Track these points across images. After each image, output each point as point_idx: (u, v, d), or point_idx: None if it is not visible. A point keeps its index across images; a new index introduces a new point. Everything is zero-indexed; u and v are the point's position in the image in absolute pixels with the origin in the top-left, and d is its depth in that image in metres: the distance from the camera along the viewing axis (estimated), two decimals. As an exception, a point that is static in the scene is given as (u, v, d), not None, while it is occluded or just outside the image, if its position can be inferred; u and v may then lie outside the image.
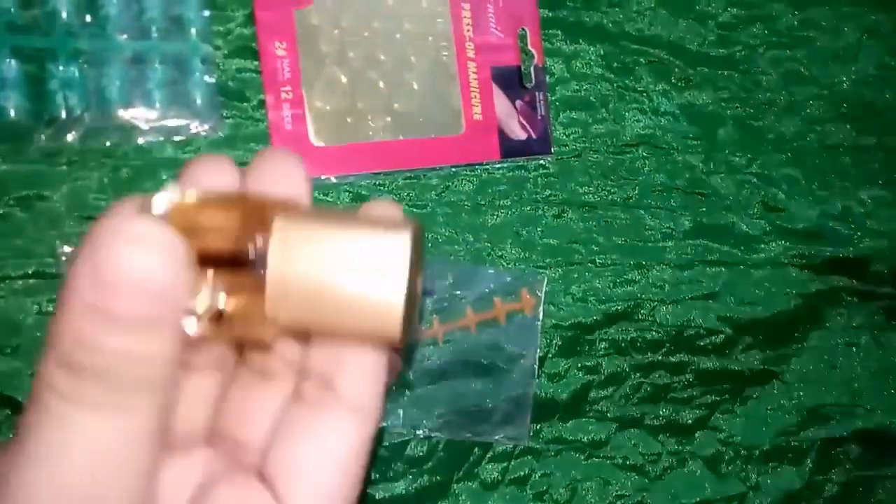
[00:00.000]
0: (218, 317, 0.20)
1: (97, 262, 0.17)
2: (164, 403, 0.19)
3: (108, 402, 0.18)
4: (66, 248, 0.39)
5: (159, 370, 0.18)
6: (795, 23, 0.47)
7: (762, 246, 0.46)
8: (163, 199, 0.19)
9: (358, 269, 0.20)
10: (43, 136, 0.39)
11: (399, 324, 0.20)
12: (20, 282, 0.39)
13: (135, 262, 0.17)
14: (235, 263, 0.20)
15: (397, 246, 0.20)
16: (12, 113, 0.38)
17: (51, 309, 0.39)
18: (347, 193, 0.42)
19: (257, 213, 0.20)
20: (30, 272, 0.39)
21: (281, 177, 0.22)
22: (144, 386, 0.18)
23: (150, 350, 0.18)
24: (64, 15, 0.39)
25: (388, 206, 0.22)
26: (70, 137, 0.39)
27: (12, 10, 0.38)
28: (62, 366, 0.17)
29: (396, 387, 0.42)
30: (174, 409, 0.20)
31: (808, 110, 0.47)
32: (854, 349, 0.47)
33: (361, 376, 0.21)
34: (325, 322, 0.20)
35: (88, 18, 0.39)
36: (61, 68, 0.38)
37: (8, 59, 0.38)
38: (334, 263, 0.20)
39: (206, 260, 0.20)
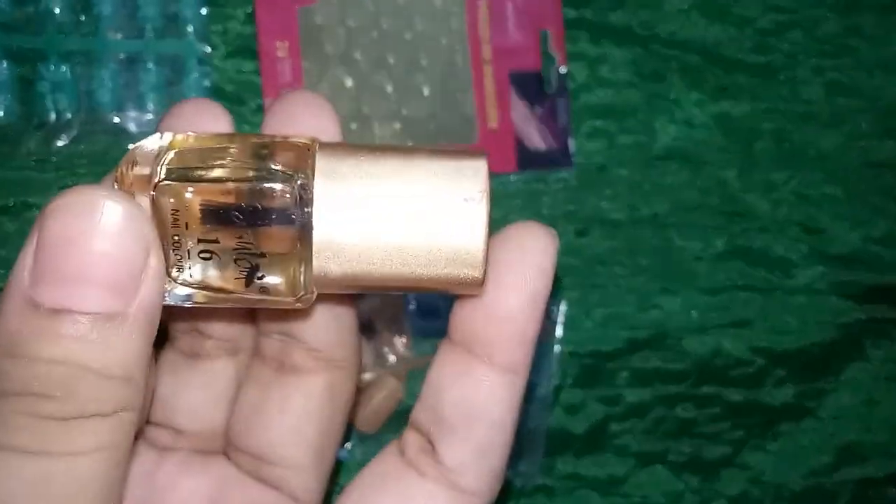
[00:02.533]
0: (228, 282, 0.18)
1: (35, 244, 0.15)
2: (128, 441, 0.16)
3: (47, 441, 0.15)
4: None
5: (111, 391, 0.15)
6: (839, 30, 0.46)
7: (799, 271, 0.45)
8: (152, 142, 0.17)
9: (425, 202, 0.18)
10: (32, 141, 0.38)
11: (481, 263, 0.18)
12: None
13: (77, 241, 0.15)
14: (254, 216, 0.17)
15: (473, 170, 0.18)
16: (1, 116, 0.38)
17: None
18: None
19: (279, 153, 0.18)
20: (12, 285, 0.38)
21: (307, 121, 0.20)
22: (103, 415, 0.15)
23: (99, 361, 0.15)
24: (57, 13, 0.38)
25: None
26: (60, 142, 0.38)
27: (4, 8, 0.37)
28: None
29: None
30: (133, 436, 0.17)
31: (851, 124, 0.46)
32: (895, 384, 0.46)
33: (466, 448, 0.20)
34: (388, 272, 0.18)
35: (82, 17, 0.38)
36: (52, 69, 0.38)
37: (-5, 59, 0.38)
38: (395, 197, 0.18)
39: (217, 216, 0.17)
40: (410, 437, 0.20)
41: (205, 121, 0.20)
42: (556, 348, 0.43)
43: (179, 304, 0.18)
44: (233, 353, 0.23)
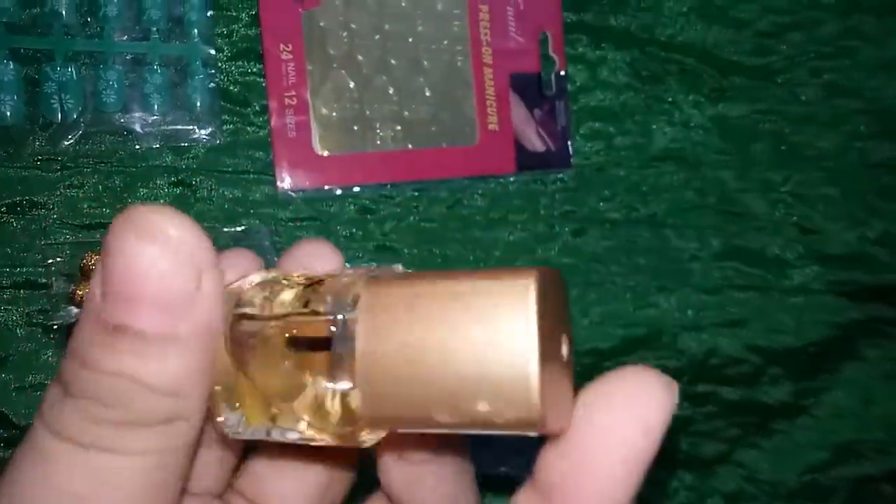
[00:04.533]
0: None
1: (105, 265, 0.16)
2: (179, 446, 0.18)
3: (101, 440, 0.17)
4: (57, 259, 0.40)
5: (162, 403, 0.17)
6: (838, 32, 0.47)
7: (796, 271, 0.47)
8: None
9: (472, 335, 0.16)
10: (38, 141, 0.40)
11: (536, 398, 0.16)
12: (9, 291, 0.40)
13: (132, 261, 0.16)
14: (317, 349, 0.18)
15: (518, 293, 0.16)
16: (8, 116, 0.39)
17: (40, 320, 0.40)
18: (352, 206, 0.43)
19: (334, 292, 0.18)
20: (19, 281, 0.40)
21: (316, 264, 0.22)
22: (151, 424, 0.17)
23: (152, 376, 0.17)
24: (63, 15, 0.40)
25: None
26: (66, 142, 0.40)
27: (11, 9, 0.39)
28: (58, 390, 0.17)
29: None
30: (194, 457, 0.19)
31: (849, 125, 0.48)
32: (891, 382, 0.48)
33: None
34: (437, 414, 0.17)
35: (88, 19, 0.40)
36: (58, 70, 0.40)
37: (5, 61, 0.39)
38: (441, 331, 0.16)
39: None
40: None
41: (319, 261, 0.22)
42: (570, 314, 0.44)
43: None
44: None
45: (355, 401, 0.17)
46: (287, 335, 0.18)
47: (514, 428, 0.16)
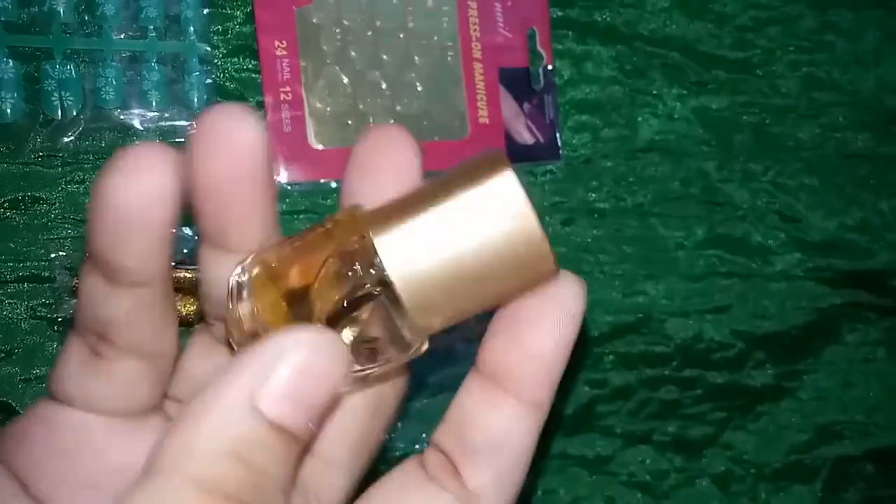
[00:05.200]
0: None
1: (268, 362, 0.18)
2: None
3: None
4: (60, 253, 0.41)
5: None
6: (815, 26, 0.49)
7: (777, 257, 0.49)
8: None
9: (480, 229, 0.20)
10: (39, 137, 0.41)
11: (549, 254, 0.20)
12: (13, 286, 0.41)
13: (305, 373, 0.18)
14: (351, 303, 0.21)
15: (504, 184, 0.20)
16: (9, 113, 0.41)
17: (44, 313, 0.41)
18: (348, 198, 0.45)
19: (338, 243, 0.21)
20: (23, 276, 0.41)
21: (393, 155, 0.23)
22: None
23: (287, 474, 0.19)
24: (62, 14, 0.41)
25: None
26: (66, 138, 0.41)
27: (10, 8, 0.40)
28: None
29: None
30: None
31: (827, 117, 0.50)
32: (870, 365, 0.50)
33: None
34: (475, 300, 0.20)
35: (86, 17, 0.42)
36: (57, 68, 0.41)
37: (4, 59, 0.41)
38: (454, 239, 0.20)
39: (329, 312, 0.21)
40: (432, 456, 0.23)
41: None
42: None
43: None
44: None
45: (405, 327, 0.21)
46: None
47: (541, 283, 0.21)
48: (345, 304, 0.21)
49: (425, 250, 0.20)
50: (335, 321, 0.21)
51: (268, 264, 0.21)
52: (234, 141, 0.21)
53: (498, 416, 0.21)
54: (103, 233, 0.20)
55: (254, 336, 0.21)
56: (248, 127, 0.21)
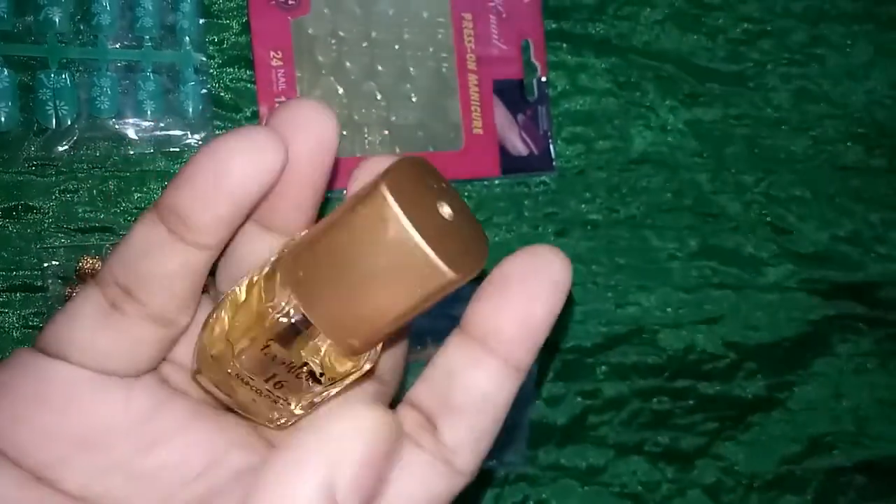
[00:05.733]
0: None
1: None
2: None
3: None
4: (53, 262, 0.41)
5: None
6: (807, 40, 0.50)
7: (769, 269, 0.49)
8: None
9: (365, 249, 0.20)
10: (33, 147, 0.42)
11: (434, 259, 0.20)
12: (5, 295, 0.41)
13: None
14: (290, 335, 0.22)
15: (377, 198, 0.20)
16: (3, 122, 0.41)
17: (36, 323, 0.42)
18: (342, 208, 0.45)
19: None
20: (16, 284, 0.42)
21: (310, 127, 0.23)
22: None
23: None
24: (57, 23, 0.41)
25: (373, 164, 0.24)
26: (60, 147, 0.42)
27: (5, 17, 0.41)
28: None
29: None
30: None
31: (819, 129, 0.50)
32: (862, 377, 0.51)
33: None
34: (389, 316, 0.21)
35: (81, 27, 0.42)
36: (52, 77, 0.41)
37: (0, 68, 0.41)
38: (346, 258, 0.21)
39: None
40: (408, 413, 0.23)
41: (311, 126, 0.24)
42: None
43: None
44: None
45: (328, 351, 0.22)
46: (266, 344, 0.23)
47: (443, 289, 0.21)
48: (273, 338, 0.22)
49: (325, 277, 0.21)
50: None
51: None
52: (313, 128, 0.22)
53: (482, 376, 0.22)
54: (196, 187, 0.22)
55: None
56: (327, 118, 0.23)
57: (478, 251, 0.22)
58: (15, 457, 0.23)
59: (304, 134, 0.22)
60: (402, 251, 0.20)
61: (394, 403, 0.27)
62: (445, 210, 0.22)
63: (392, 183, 0.20)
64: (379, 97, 0.45)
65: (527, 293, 0.22)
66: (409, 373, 0.45)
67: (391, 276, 0.20)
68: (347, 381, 0.24)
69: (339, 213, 0.21)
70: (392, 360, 0.26)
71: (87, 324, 0.23)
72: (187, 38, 0.43)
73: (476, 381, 0.22)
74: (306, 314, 0.21)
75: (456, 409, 0.23)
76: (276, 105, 0.44)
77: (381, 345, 0.23)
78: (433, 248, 0.20)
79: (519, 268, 0.22)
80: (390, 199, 0.20)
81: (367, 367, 0.23)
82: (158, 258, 0.22)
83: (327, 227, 0.21)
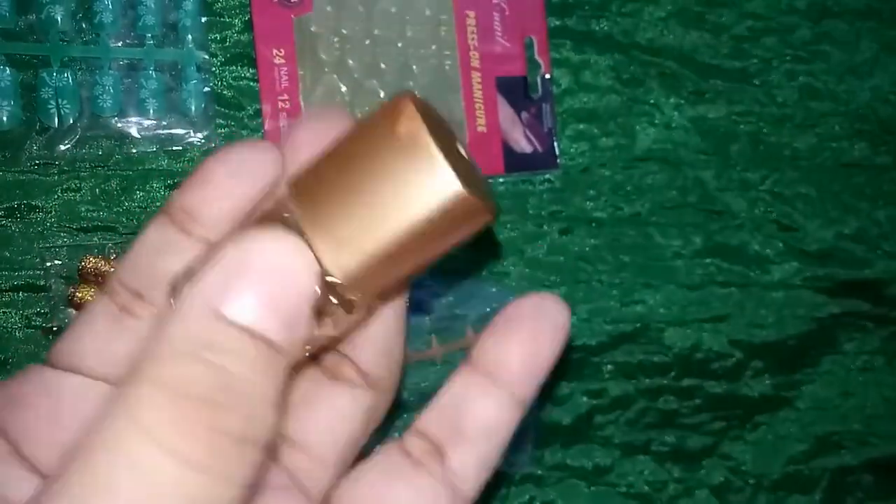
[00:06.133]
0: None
1: (230, 269, 0.18)
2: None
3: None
4: (56, 262, 0.41)
5: (270, 417, 0.18)
6: (811, 36, 0.50)
7: (775, 267, 0.49)
8: None
9: (383, 164, 0.19)
10: (35, 146, 0.41)
11: (458, 184, 0.19)
12: (8, 295, 0.41)
13: (267, 276, 0.18)
14: None
15: (399, 108, 0.19)
16: (5, 121, 0.41)
17: (39, 322, 0.41)
18: (346, 207, 0.45)
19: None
20: (18, 284, 0.41)
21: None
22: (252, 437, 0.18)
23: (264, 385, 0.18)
24: (59, 21, 0.41)
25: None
26: (62, 146, 0.42)
27: (7, 15, 0.41)
28: (150, 382, 0.17)
29: (394, 408, 0.44)
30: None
31: (823, 126, 0.50)
32: (869, 375, 0.50)
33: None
34: (398, 245, 0.20)
35: (83, 25, 0.42)
36: (55, 76, 0.41)
37: (1, 67, 0.41)
38: (364, 179, 0.20)
39: None
40: (415, 441, 0.24)
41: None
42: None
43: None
44: None
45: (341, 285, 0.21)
46: None
47: (466, 224, 0.20)
48: None
49: (338, 199, 0.20)
50: None
51: None
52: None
53: (492, 405, 0.24)
54: (206, 186, 0.23)
55: None
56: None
57: (490, 195, 0.22)
58: (30, 463, 0.23)
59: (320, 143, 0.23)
60: (425, 168, 0.19)
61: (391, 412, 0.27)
62: (461, 149, 0.21)
63: (416, 102, 0.20)
64: (382, 94, 0.45)
65: (532, 335, 0.24)
66: (413, 373, 0.45)
67: (406, 193, 0.19)
68: (343, 327, 0.23)
69: (352, 129, 0.21)
70: (387, 361, 0.26)
71: (98, 332, 0.23)
72: (189, 36, 0.43)
73: (485, 410, 0.24)
74: (301, 220, 0.20)
75: (465, 436, 0.24)
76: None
77: (368, 302, 0.22)
78: (456, 173, 0.19)
79: (526, 311, 0.24)
80: (417, 114, 0.19)
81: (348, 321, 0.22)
82: (168, 256, 0.23)
83: (340, 140, 0.21)
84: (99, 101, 0.42)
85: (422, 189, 0.19)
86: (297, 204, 0.20)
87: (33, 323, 0.42)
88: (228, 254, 0.18)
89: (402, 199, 0.20)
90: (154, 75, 0.43)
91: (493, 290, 0.46)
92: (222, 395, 0.17)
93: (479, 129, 0.46)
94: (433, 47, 0.46)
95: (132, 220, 0.43)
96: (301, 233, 0.20)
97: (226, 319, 0.17)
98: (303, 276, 0.18)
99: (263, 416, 0.18)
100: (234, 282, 0.17)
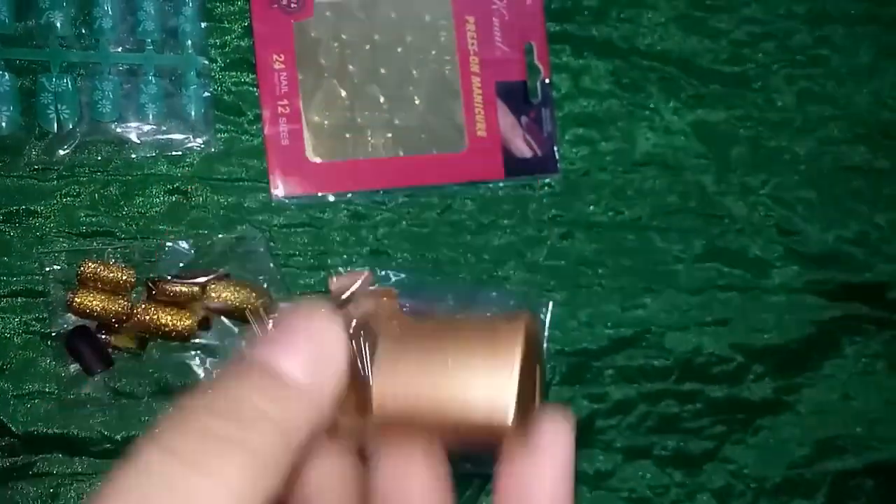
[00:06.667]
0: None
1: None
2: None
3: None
4: (55, 267, 0.41)
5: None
6: (810, 41, 0.50)
7: (776, 270, 0.49)
8: None
9: (467, 359, 0.22)
10: (34, 150, 0.42)
11: (510, 411, 0.21)
12: (6, 300, 0.41)
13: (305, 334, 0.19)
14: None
15: (510, 333, 0.22)
16: (4, 126, 0.41)
17: (38, 328, 0.41)
18: (345, 211, 0.45)
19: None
20: (17, 289, 0.41)
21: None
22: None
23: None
24: (58, 27, 0.41)
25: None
26: (62, 151, 0.42)
27: (6, 21, 0.41)
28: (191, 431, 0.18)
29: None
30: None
31: (823, 131, 0.51)
32: (870, 378, 0.50)
33: None
34: (434, 414, 0.22)
35: (83, 31, 0.42)
36: (54, 81, 0.41)
37: (1, 72, 0.41)
38: (443, 355, 0.22)
39: None
40: None
41: None
42: (544, 347, 0.46)
43: None
44: None
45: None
46: None
47: (489, 437, 0.22)
48: None
49: (414, 360, 0.22)
50: None
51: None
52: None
53: None
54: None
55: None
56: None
57: (531, 414, 0.23)
58: None
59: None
60: (496, 386, 0.21)
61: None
62: (539, 370, 0.23)
63: (529, 327, 0.22)
64: (382, 100, 0.46)
65: (552, 465, 0.24)
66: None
67: (466, 393, 0.22)
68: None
69: (462, 320, 0.23)
70: None
71: None
72: (189, 41, 0.43)
73: None
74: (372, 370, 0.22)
75: None
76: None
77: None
78: (516, 398, 0.21)
79: (544, 437, 0.24)
80: (521, 333, 0.22)
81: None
82: None
83: (447, 320, 0.23)
84: (98, 106, 0.42)
85: (478, 402, 0.22)
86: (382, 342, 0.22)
87: (31, 328, 0.42)
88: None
89: (460, 392, 0.22)
90: (154, 80, 0.43)
91: (493, 294, 0.46)
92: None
93: (479, 133, 0.46)
94: (433, 52, 0.46)
95: (131, 225, 0.43)
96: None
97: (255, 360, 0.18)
98: (339, 356, 0.19)
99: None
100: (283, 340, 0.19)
